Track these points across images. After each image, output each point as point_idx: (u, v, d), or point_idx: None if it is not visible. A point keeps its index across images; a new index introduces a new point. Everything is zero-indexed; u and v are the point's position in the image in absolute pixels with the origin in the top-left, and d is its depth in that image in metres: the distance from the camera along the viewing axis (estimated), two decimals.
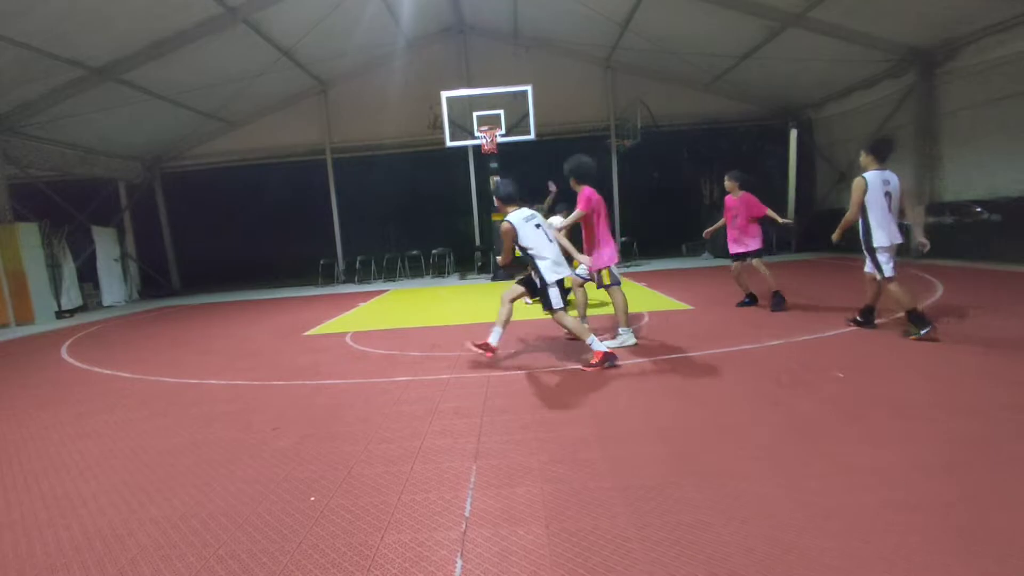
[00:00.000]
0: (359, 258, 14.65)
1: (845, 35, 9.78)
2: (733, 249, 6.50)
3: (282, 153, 14.98)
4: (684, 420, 3.24)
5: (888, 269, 4.58)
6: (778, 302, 6.23)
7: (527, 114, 11.52)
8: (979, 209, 9.40)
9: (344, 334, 6.94)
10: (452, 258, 14.62)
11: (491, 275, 12.91)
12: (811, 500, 2.24)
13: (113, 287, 13.52)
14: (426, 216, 15.28)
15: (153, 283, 15.22)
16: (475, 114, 11.59)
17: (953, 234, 9.76)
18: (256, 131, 14.84)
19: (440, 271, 14.72)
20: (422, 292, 11.47)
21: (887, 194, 4.54)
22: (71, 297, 11.86)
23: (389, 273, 14.65)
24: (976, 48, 8.97)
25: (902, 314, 4.75)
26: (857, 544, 1.93)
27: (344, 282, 14.59)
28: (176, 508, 2.58)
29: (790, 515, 2.14)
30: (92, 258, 12.97)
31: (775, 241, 13.67)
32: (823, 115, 13.61)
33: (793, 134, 14.47)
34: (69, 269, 11.91)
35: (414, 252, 14.61)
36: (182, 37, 9.93)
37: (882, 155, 4.65)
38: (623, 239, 14.90)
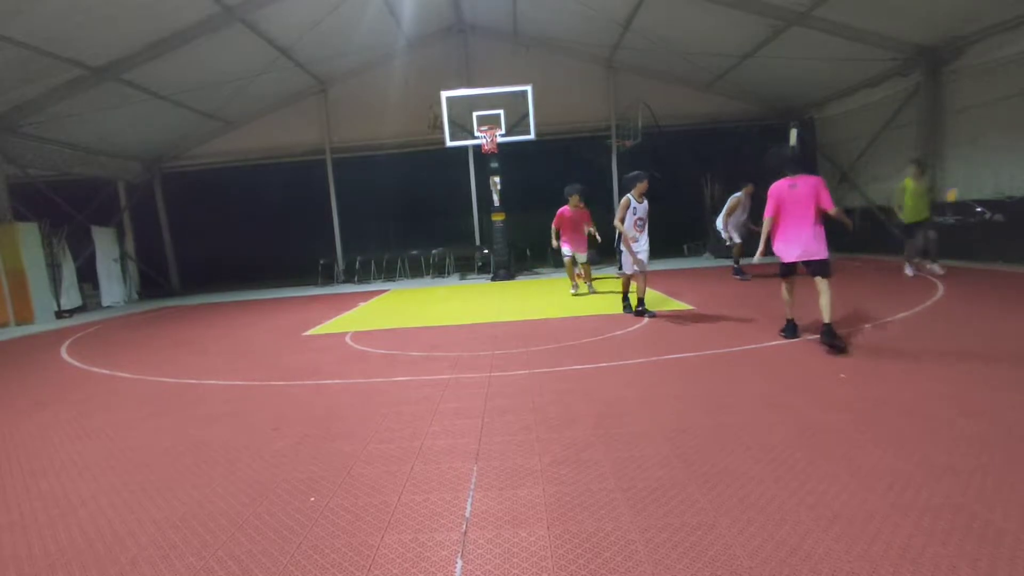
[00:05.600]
0: (359, 258, 14.64)
1: (850, 34, 9.74)
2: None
3: (282, 153, 14.96)
4: (688, 421, 3.22)
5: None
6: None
7: (527, 114, 11.51)
8: (980, 209, 9.37)
9: (344, 334, 6.93)
10: (452, 258, 14.60)
11: (491, 275, 12.90)
12: (817, 502, 2.22)
13: (112, 287, 13.51)
14: (426, 216, 15.24)
15: (152, 283, 15.21)
16: (475, 114, 11.58)
17: (957, 235, 9.73)
18: (256, 131, 14.82)
19: (440, 271, 14.70)
20: (422, 292, 11.46)
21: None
22: (71, 297, 11.84)
23: (389, 273, 14.64)
24: (983, 46, 8.93)
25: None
26: (863, 546, 1.91)
27: (344, 282, 14.58)
28: (176, 508, 2.56)
29: (795, 516, 2.13)
30: (92, 258, 12.95)
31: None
32: (825, 114, 13.58)
33: (793, 133, 14.43)
34: (69, 269, 11.90)
35: (414, 252, 14.60)
36: (181, 37, 9.91)
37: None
38: None
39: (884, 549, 1.89)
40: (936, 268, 8.16)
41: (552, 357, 4.94)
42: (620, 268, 6.61)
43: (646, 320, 6.35)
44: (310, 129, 14.85)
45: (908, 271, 8.24)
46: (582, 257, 8.69)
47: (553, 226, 8.49)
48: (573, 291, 8.84)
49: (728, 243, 9.59)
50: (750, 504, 2.24)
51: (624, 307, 6.93)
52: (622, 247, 6.40)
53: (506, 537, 2.14)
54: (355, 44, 12.67)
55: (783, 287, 5.06)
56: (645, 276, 6.55)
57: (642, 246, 6.41)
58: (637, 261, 6.35)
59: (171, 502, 2.63)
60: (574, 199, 8.33)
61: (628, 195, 6.38)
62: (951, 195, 7.71)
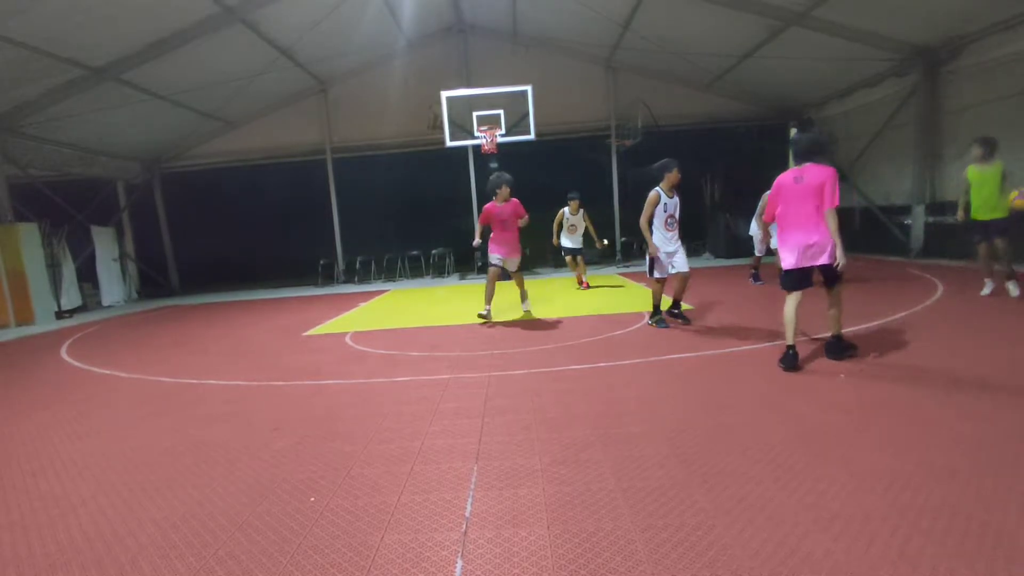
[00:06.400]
0: (359, 258, 14.64)
1: (848, 34, 9.75)
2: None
3: (282, 153, 14.95)
4: (687, 421, 3.22)
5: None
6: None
7: (527, 114, 11.50)
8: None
9: (344, 334, 6.93)
10: (452, 258, 14.60)
11: None
12: (816, 502, 2.23)
13: (112, 287, 13.50)
14: (426, 216, 15.25)
15: (152, 283, 15.22)
16: (475, 114, 11.57)
17: (955, 234, 9.73)
18: (256, 131, 14.81)
19: (440, 271, 14.70)
20: (422, 292, 11.46)
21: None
22: (71, 297, 11.83)
23: (389, 273, 14.64)
24: (980, 46, 8.95)
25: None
26: (862, 547, 1.92)
27: (344, 282, 14.58)
28: (176, 508, 2.57)
29: (795, 517, 2.13)
30: (91, 258, 12.95)
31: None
32: (824, 114, 13.59)
33: (793, 133, 14.46)
34: (69, 269, 11.89)
35: (414, 252, 14.60)
36: (181, 37, 9.91)
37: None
38: (623, 239, 14.89)
39: (883, 550, 1.89)
40: (1010, 287, 6.09)
41: (551, 357, 4.95)
42: (651, 274, 5.76)
43: (647, 319, 6.29)
44: (310, 129, 14.85)
45: (986, 289, 6.33)
46: (512, 264, 7.10)
47: (480, 224, 7.10)
48: (484, 313, 6.82)
49: (765, 252, 8.32)
50: (749, 504, 2.24)
51: (658, 320, 5.92)
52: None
53: (506, 537, 2.14)
54: (355, 44, 12.66)
55: (788, 303, 4.11)
56: (687, 278, 5.79)
57: (675, 246, 5.64)
58: (668, 264, 5.63)
59: (171, 502, 2.64)
60: (504, 191, 6.96)
61: (657, 188, 5.53)
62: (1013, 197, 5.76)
